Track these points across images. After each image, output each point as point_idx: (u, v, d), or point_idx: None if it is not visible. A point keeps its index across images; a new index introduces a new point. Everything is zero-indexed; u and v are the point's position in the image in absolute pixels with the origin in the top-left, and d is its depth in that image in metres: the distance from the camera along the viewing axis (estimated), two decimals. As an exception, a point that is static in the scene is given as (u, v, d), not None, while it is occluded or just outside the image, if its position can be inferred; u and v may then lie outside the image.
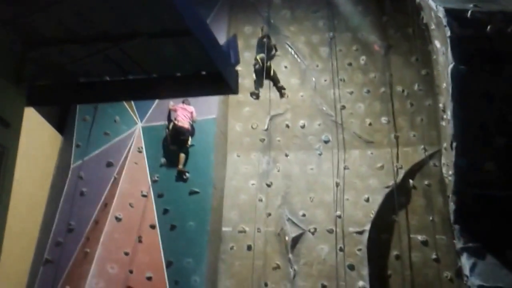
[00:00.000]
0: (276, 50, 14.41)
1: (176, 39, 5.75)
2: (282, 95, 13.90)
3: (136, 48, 5.97)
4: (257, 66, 13.55)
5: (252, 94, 13.74)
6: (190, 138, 13.08)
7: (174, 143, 13.03)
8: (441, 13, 10.27)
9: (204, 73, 6.47)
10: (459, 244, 9.35)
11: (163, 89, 6.85)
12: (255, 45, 14.63)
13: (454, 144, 9.59)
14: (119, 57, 6.19)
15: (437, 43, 11.18)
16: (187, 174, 12.86)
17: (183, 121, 12.94)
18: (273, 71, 13.79)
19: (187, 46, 5.84)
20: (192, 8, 5.75)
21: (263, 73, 13.45)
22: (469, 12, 10.01)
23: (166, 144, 13.21)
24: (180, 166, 12.85)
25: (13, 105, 6.14)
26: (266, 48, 13.69)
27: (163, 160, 13.18)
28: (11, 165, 6.15)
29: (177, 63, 6.33)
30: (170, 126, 13.07)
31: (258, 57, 13.63)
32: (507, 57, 9.73)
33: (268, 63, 13.61)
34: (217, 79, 6.48)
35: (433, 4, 10.77)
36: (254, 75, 13.78)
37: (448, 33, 9.94)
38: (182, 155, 12.95)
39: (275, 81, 13.82)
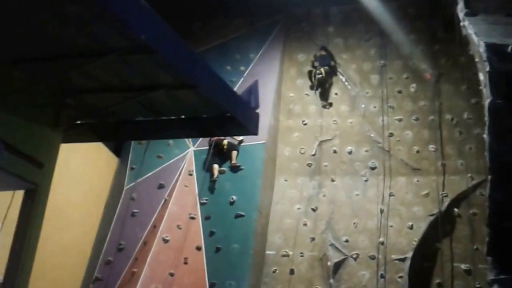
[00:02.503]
0: (335, 62, 15.40)
1: (194, 90, 6.32)
2: (324, 106, 14.93)
3: (160, 96, 6.57)
4: (320, 76, 14.83)
5: (324, 106, 14.92)
6: (226, 142, 13.75)
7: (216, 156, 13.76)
8: (481, 48, 10.41)
9: (228, 115, 7.01)
10: (490, 276, 9.42)
11: (190, 129, 7.45)
12: (307, 72, 15.27)
13: (490, 177, 9.69)
14: (148, 103, 6.82)
15: (481, 75, 11.29)
16: (241, 167, 13.59)
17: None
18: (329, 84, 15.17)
19: (205, 95, 6.40)
20: (201, 64, 6.37)
21: (326, 84, 15.02)
22: (510, 47, 10.13)
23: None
24: (233, 161, 13.60)
25: (48, 147, 6.78)
26: (325, 58, 15.14)
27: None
28: (43, 202, 6.74)
29: (200, 107, 6.90)
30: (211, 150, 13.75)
31: (322, 69, 14.90)
32: (546, 92, 9.80)
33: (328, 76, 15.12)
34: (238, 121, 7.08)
35: (475, 39, 10.90)
36: (315, 84, 15.00)
37: (487, 68, 10.04)
38: (234, 152, 13.71)
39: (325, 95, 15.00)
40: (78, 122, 7.61)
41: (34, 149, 6.52)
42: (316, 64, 15.21)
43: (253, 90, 7.66)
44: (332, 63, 15.32)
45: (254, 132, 7.70)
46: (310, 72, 15.22)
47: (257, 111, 7.82)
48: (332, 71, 15.25)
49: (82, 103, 7.14)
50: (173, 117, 7.39)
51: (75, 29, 5.35)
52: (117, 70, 6.17)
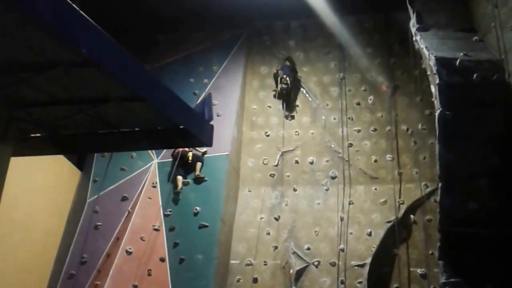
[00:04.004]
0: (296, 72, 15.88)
1: (144, 103, 6.52)
2: (287, 117, 15.35)
3: (112, 109, 6.69)
4: (285, 86, 15.16)
5: (286, 117, 15.36)
6: (191, 154, 13.98)
7: (180, 168, 14.00)
8: (432, 61, 10.93)
9: (182, 127, 7.25)
10: (442, 279, 9.88)
11: (150, 141, 7.65)
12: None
13: (440, 185, 10.18)
14: (100, 116, 6.95)
15: (432, 88, 11.82)
16: (205, 179, 13.83)
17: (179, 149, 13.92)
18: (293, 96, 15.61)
19: (155, 108, 6.60)
20: (148, 77, 6.56)
21: (290, 94, 15.42)
22: (458, 60, 10.69)
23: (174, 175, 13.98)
24: (198, 173, 13.84)
25: (-3, 160, 6.59)
26: (291, 69, 15.55)
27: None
28: None
29: (153, 120, 7.06)
30: (176, 162, 13.94)
31: (287, 79, 15.23)
32: (491, 103, 10.34)
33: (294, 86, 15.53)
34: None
35: (426, 53, 11.42)
36: (279, 93, 15.37)
37: (437, 81, 10.57)
38: (199, 163, 13.94)
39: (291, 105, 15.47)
40: (32, 135, 7.54)
41: (-19, 163, 6.30)
42: (281, 72, 15.57)
43: (206, 103, 7.92)
44: (296, 75, 15.77)
45: (209, 143, 7.92)
46: (275, 75, 15.64)
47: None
48: (295, 84, 15.69)
49: (32, 116, 7.08)
50: (131, 129, 7.48)
51: (16, 42, 5.32)
52: (65, 83, 6.17)
